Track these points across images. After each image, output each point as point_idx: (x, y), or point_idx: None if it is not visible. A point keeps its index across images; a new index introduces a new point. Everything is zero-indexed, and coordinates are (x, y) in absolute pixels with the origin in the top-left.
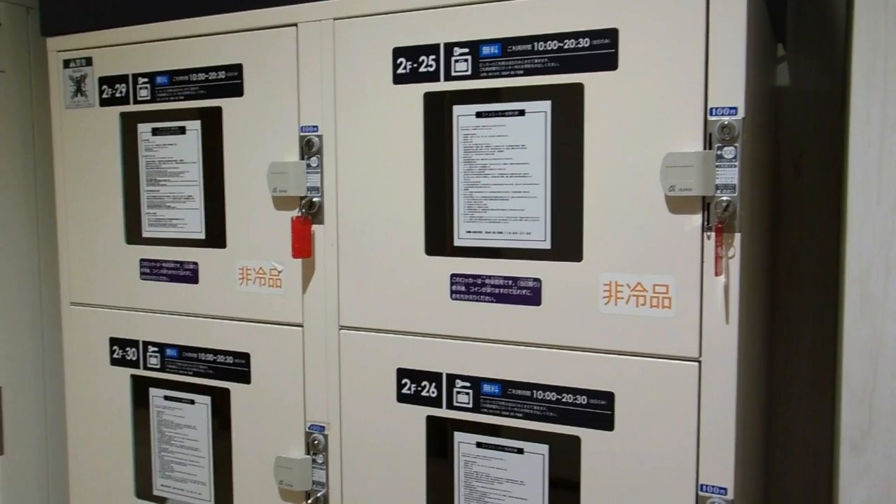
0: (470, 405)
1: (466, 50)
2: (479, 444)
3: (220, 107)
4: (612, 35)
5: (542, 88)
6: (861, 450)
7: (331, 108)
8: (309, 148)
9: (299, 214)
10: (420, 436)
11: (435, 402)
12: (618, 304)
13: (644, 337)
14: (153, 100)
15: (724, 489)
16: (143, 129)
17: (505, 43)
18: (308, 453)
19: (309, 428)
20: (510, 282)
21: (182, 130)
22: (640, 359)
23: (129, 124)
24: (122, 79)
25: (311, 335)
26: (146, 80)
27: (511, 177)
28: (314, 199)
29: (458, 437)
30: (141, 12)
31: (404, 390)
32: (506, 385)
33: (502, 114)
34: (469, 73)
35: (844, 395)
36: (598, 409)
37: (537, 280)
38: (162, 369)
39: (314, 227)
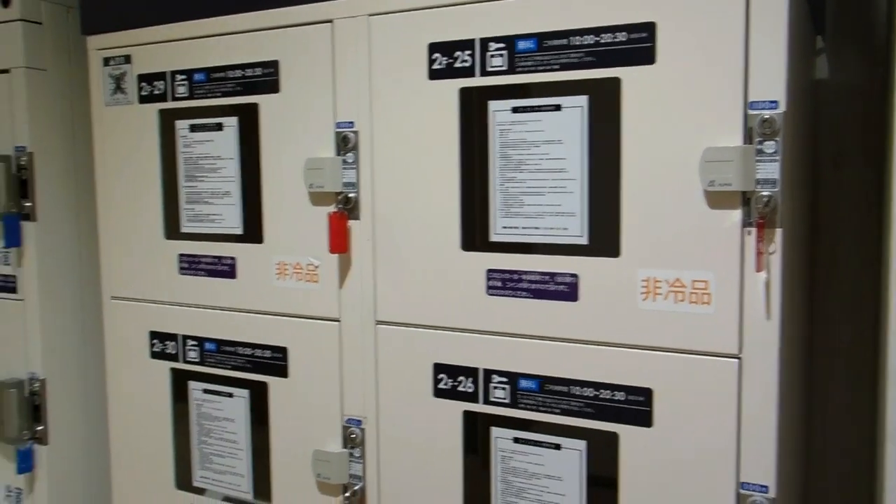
0: (507, 400)
1: (502, 45)
2: (516, 440)
3: (257, 103)
4: (649, 29)
5: (578, 83)
6: None
7: (366, 104)
8: (345, 144)
9: (336, 210)
10: (457, 430)
11: (471, 398)
12: (656, 299)
13: (683, 333)
14: (191, 97)
15: (766, 487)
16: (182, 125)
17: (541, 38)
18: (345, 447)
19: (346, 422)
20: (547, 277)
21: (219, 127)
22: (679, 355)
23: (167, 121)
24: (161, 76)
25: (348, 330)
26: (184, 77)
27: (547, 172)
28: (350, 195)
29: (495, 432)
30: (179, 10)
31: (441, 385)
32: (543, 380)
33: (538, 109)
34: (505, 68)
35: (890, 392)
36: (636, 406)
37: (574, 275)
38: (201, 363)
39: (350, 222)
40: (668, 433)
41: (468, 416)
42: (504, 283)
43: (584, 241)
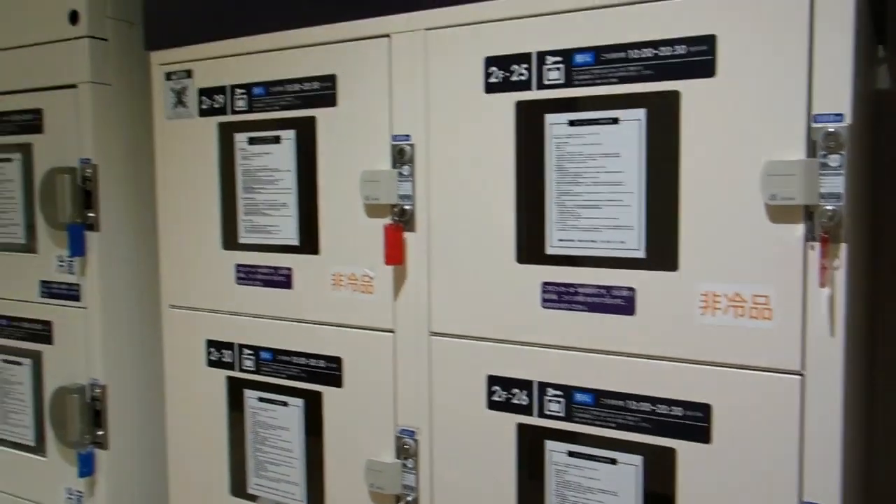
0: (562, 414)
1: (559, 58)
2: (570, 454)
3: (315, 116)
4: (709, 41)
5: (636, 96)
6: None
7: (422, 117)
8: (401, 156)
9: (391, 222)
10: (510, 443)
11: (526, 410)
12: (715, 314)
13: (742, 348)
14: (250, 110)
15: None
16: (240, 138)
17: (598, 51)
18: (398, 457)
19: (399, 432)
20: (603, 291)
21: (277, 140)
22: (739, 371)
23: (226, 134)
24: (221, 90)
25: (403, 341)
26: (243, 91)
27: (604, 185)
28: (406, 207)
29: (550, 445)
30: (239, 26)
31: (495, 397)
32: (599, 394)
33: (595, 122)
34: (562, 81)
35: None
36: (694, 421)
37: (631, 289)
38: (256, 372)
39: (406, 234)
40: (728, 450)
41: (522, 428)
42: (559, 296)
43: (641, 254)
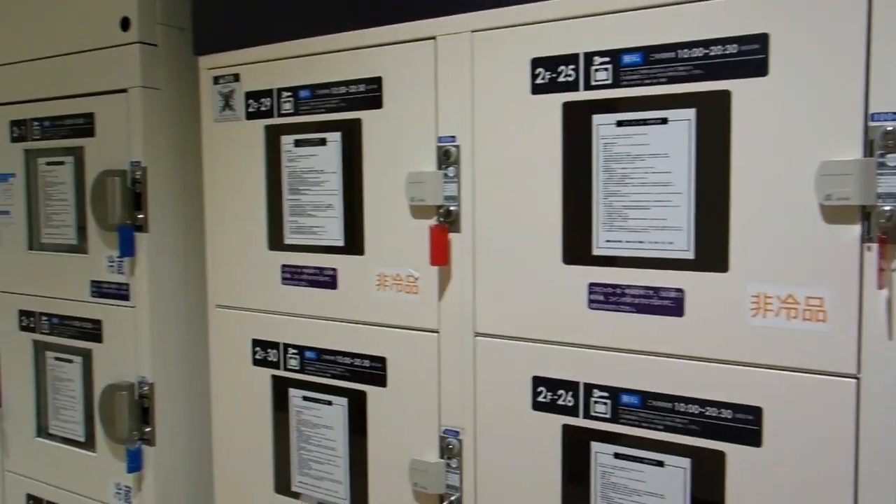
0: (608, 415)
1: (607, 59)
2: (616, 455)
3: (360, 119)
4: (762, 40)
5: (686, 96)
6: None
7: (468, 119)
8: (446, 158)
9: (436, 223)
10: (555, 444)
11: (571, 412)
12: (767, 316)
13: (795, 351)
14: (296, 113)
15: None
16: (286, 140)
17: (647, 51)
18: (442, 457)
19: (443, 432)
20: (651, 292)
21: (323, 142)
22: (791, 373)
23: (272, 136)
24: (267, 93)
25: (447, 341)
26: (289, 94)
27: (652, 186)
28: (451, 208)
29: (595, 447)
30: (285, 30)
31: (540, 398)
32: (646, 396)
33: (644, 122)
34: (609, 81)
35: None
36: (744, 424)
37: (679, 290)
38: (301, 371)
39: (451, 235)
40: (779, 453)
41: (567, 430)
42: (606, 297)
43: (690, 255)
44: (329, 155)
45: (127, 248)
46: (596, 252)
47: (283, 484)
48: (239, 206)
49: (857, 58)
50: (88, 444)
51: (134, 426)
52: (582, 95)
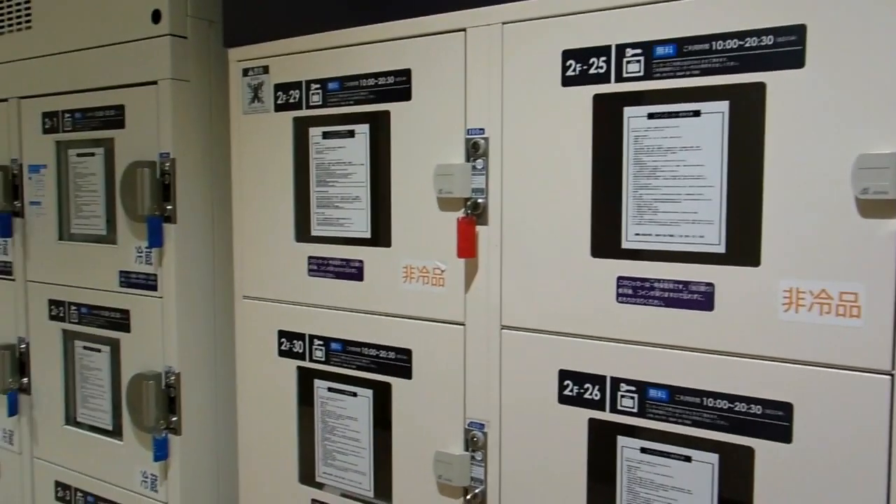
0: (635, 410)
1: (639, 51)
2: (643, 450)
3: (389, 111)
4: (799, 31)
5: (719, 88)
6: None
7: (497, 111)
8: (475, 150)
9: (464, 215)
10: (581, 438)
11: (598, 405)
12: (799, 311)
13: (828, 347)
14: (324, 105)
15: None
16: (315, 132)
17: (680, 43)
18: (467, 450)
19: (468, 425)
20: (680, 286)
21: (351, 134)
22: (823, 369)
23: (301, 128)
24: (296, 85)
25: (473, 334)
26: (318, 86)
27: (684, 179)
28: (479, 201)
29: (622, 441)
30: (315, 22)
31: (566, 392)
32: (674, 391)
33: (676, 115)
34: (641, 74)
35: None
36: (774, 420)
37: (710, 284)
38: (326, 362)
39: (478, 227)
40: (810, 450)
41: (594, 423)
42: (635, 291)
43: (721, 249)
44: (357, 147)
45: (155, 239)
46: (625, 245)
47: (307, 474)
48: (266, 198)
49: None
50: (116, 432)
51: (160, 415)
52: (613, 88)
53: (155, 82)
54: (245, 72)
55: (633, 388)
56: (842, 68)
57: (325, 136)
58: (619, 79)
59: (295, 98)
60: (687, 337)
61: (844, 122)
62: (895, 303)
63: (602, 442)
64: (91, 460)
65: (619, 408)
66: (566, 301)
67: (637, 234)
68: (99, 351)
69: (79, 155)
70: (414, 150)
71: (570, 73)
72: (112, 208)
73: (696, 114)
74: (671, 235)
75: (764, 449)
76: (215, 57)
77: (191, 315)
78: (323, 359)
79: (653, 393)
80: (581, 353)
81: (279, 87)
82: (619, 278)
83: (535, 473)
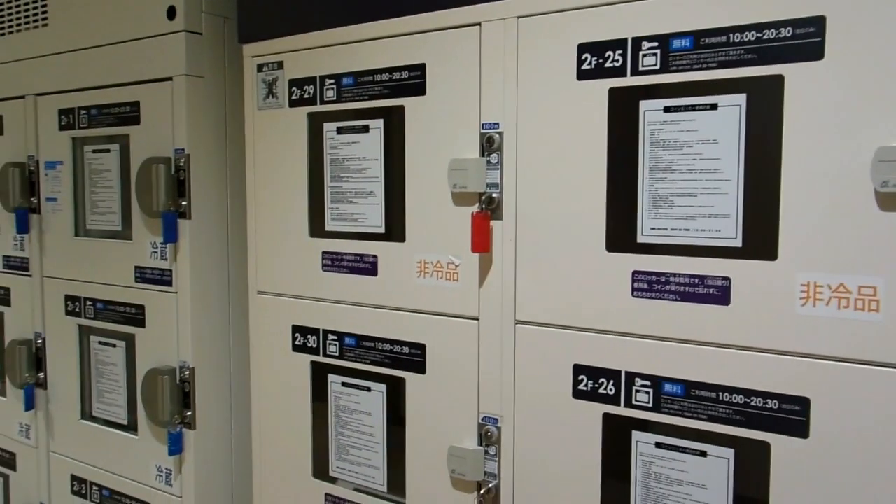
0: (650, 404)
1: (655, 44)
2: (658, 445)
3: (403, 105)
4: (818, 23)
5: (737, 81)
6: None
7: (512, 105)
8: (489, 144)
9: (478, 210)
10: (596, 433)
11: (612, 400)
12: (816, 305)
13: (846, 341)
14: (339, 100)
15: None
16: (329, 127)
17: (697, 35)
18: (480, 444)
19: (482, 419)
20: (696, 280)
21: (366, 129)
22: (841, 364)
23: (315, 124)
24: (311, 81)
25: (487, 329)
26: (332, 81)
27: (700, 172)
28: (493, 195)
29: (636, 436)
30: (329, 17)
31: (580, 387)
32: (689, 385)
33: (692, 108)
34: (657, 67)
35: None
36: (790, 415)
37: (726, 279)
38: (340, 357)
39: (493, 222)
40: (827, 446)
41: (608, 418)
42: (650, 286)
43: (737, 243)
44: (371, 142)
45: (170, 235)
46: (640, 240)
47: (321, 469)
48: (281, 193)
49: None
50: (131, 426)
51: (175, 410)
52: (629, 81)
53: (170, 78)
54: (260, 67)
55: (648, 383)
56: (861, 60)
57: (340, 131)
58: (635, 72)
59: (309, 93)
60: (703, 331)
61: (864, 114)
62: None
63: (616, 437)
64: (106, 454)
65: (634, 402)
66: (581, 296)
67: (653, 229)
68: (114, 346)
69: (94, 151)
70: (428, 144)
71: (585, 66)
72: (127, 204)
73: (713, 107)
74: (687, 229)
75: (780, 444)
76: (230, 53)
77: (205, 310)
78: (337, 354)
79: (668, 388)
80: (596, 347)
81: (293, 83)
82: (635, 273)
83: (549, 468)
